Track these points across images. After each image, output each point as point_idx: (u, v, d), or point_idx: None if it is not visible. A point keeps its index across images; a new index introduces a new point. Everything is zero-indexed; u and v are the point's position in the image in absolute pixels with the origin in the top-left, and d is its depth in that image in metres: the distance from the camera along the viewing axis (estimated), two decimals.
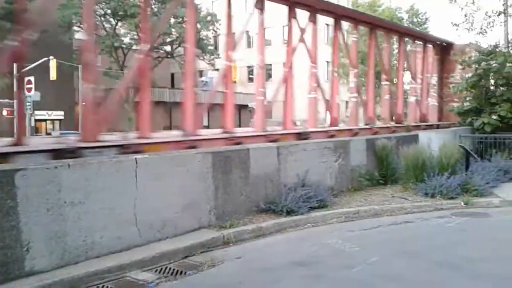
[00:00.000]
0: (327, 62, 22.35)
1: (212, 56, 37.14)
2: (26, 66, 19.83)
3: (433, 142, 11.11)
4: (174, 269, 5.28)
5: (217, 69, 34.53)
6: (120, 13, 31.80)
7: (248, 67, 38.01)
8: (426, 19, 44.32)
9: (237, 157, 7.19)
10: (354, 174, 9.68)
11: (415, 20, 43.54)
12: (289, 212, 7.34)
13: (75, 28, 31.40)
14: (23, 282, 4.51)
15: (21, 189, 4.65)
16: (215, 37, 38.91)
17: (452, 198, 8.88)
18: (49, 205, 4.86)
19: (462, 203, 8.64)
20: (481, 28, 17.99)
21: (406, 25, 36.57)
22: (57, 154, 6.14)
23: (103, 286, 4.76)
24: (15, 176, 4.63)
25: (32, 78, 24.11)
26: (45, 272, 4.73)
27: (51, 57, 26.51)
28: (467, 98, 16.52)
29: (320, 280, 5.05)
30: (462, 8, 17.90)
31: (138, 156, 5.94)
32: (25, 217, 4.66)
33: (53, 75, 27.08)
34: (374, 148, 10.36)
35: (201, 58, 35.32)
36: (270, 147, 8.07)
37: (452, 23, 19.42)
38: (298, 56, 11.26)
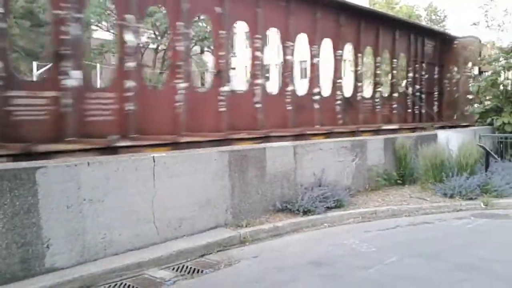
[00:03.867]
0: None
1: (230, 56, 37.18)
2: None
3: (452, 142, 10.94)
4: (191, 267, 5.31)
5: (234, 68, 34.54)
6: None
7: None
8: (445, 16, 43.76)
9: (254, 156, 7.19)
10: (371, 174, 9.60)
11: (433, 17, 42.99)
12: (306, 212, 7.32)
13: (94, 27, 31.77)
14: (44, 278, 4.59)
15: (42, 186, 4.73)
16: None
17: (471, 199, 8.74)
18: (69, 202, 4.93)
19: (482, 204, 8.51)
20: (499, 26, 17.99)
21: (424, 22, 36.10)
22: None
23: (121, 283, 4.82)
24: (36, 173, 4.71)
25: None
26: (65, 269, 4.81)
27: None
28: (487, 97, 16.24)
29: (337, 280, 5.03)
30: (481, 7, 17.74)
31: (156, 154, 5.98)
32: (46, 214, 4.74)
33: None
34: (392, 147, 10.26)
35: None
36: (286, 146, 8.05)
37: (474, 23, 19.24)
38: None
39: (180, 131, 7.98)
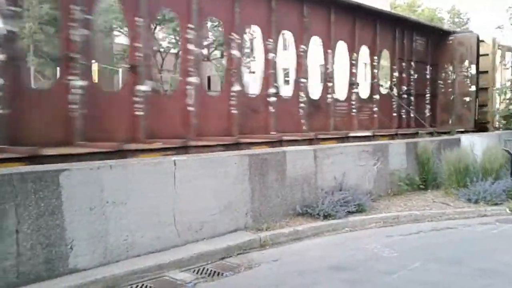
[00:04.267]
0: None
1: (248, 59, 37.32)
2: None
3: (476, 146, 10.73)
4: (211, 270, 5.32)
5: (253, 72, 34.67)
6: (158, 17, 32.46)
7: (284, 69, 37.94)
8: (468, 19, 43.11)
9: (274, 160, 7.18)
10: (393, 178, 9.48)
11: (456, 20, 42.40)
12: (326, 216, 7.27)
13: (116, 32, 32.30)
14: (67, 278, 4.65)
15: (66, 189, 4.81)
16: (251, 40, 39.09)
17: (496, 204, 8.55)
18: (92, 204, 5.00)
19: (507, 210, 8.31)
20: None
21: (447, 25, 35.59)
22: None
23: (142, 285, 4.85)
24: (60, 176, 4.79)
25: None
26: (87, 270, 4.87)
27: (92, 61, 27.34)
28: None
29: (358, 285, 4.97)
30: (506, 10, 17.26)
31: (177, 158, 6.03)
32: (69, 216, 4.81)
33: (94, 78, 27.93)
34: (415, 152, 10.12)
35: None
36: (307, 150, 8.01)
37: (498, 26, 18.68)
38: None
39: (190, 134, 7.96)
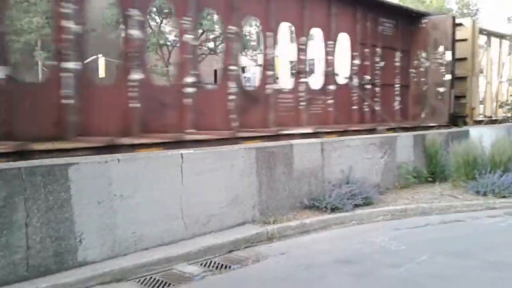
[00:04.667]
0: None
1: (255, 52, 37.23)
2: None
3: (485, 138, 10.65)
4: (219, 263, 5.34)
5: (260, 65, 34.59)
6: (165, 11, 32.40)
7: (291, 62, 37.81)
8: (477, 10, 42.62)
9: (281, 153, 7.17)
10: (401, 171, 9.44)
11: (465, 11, 41.94)
12: (333, 209, 7.26)
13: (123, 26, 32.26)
14: (77, 272, 4.70)
15: (74, 182, 4.84)
16: (258, 33, 38.96)
17: (504, 197, 8.48)
18: (100, 198, 5.03)
19: None
20: None
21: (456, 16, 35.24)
22: None
23: (151, 277, 4.89)
24: (69, 169, 4.83)
25: None
26: (96, 263, 4.91)
27: (99, 55, 27.39)
28: None
29: (366, 278, 4.97)
30: None
31: (184, 151, 6.04)
32: (78, 209, 4.85)
33: (101, 72, 28.00)
34: (422, 144, 10.06)
35: (244, 54, 35.47)
36: (314, 143, 7.99)
37: (508, 17, 18.42)
38: None
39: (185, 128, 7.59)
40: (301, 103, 10.21)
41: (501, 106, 16.70)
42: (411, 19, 13.69)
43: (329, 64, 11.01)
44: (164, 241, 5.54)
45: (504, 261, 5.38)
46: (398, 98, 13.14)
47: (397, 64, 13.07)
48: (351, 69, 11.71)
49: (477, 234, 6.75)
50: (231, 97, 8.69)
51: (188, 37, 8.05)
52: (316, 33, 11.09)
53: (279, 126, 9.35)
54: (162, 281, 4.83)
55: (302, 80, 10.31)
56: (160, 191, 5.58)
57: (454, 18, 13.77)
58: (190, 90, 7.98)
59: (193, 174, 5.93)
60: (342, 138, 9.21)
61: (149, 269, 5.02)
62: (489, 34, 16.87)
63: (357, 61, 11.69)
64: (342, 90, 11.34)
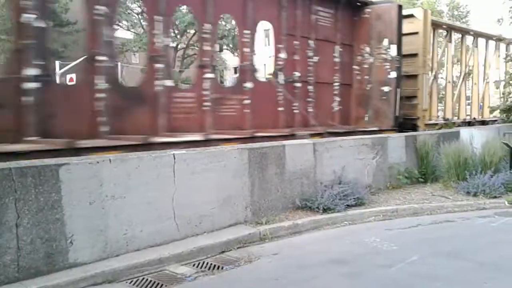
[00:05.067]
0: None
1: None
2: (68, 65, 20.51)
3: (475, 139, 10.75)
4: (211, 264, 5.33)
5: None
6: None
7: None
8: (467, 12, 42.95)
9: (273, 154, 7.17)
10: (392, 172, 9.49)
11: (455, 13, 42.27)
12: (326, 210, 7.28)
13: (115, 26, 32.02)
14: (68, 273, 4.66)
15: (65, 183, 4.80)
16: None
17: (495, 197, 8.57)
18: (91, 198, 5.00)
19: (506, 203, 8.32)
20: None
21: (446, 18, 35.46)
22: None
23: (143, 278, 4.86)
24: (60, 170, 4.79)
25: (74, 76, 24.79)
26: (87, 264, 4.88)
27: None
28: (511, 94, 15.94)
29: (358, 278, 4.98)
30: (505, 2, 17.16)
31: (176, 152, 6.02)
32: (69, 210, 4.81)
33: None
34: (414, 145, 10.12)
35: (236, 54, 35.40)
36: (306, 144, 8.01)
37: (498, 19, 18.52)
38: None
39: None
40: (206, 104, 8.67)
41: (491, 111, 16.87)
42: (354, 8, 11.98)
43: (244, 57, 9.48)
44: (156, 242, 5.52)
45: (495, 261, 5.42)
46: (337, 99, 11.49)
47: (337, 59, 11.45)
48: (276, 64, 10.16)
49: (468, 234, 6.80)
50: (99, 95, 7.07)
51: (27, 16, 6.28)
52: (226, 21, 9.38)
53: (174, 131, 7.94)
54: (154, 282, 4.81)
55: (207, 76, 8.70)
56: (152, 191, 5.56)
57: (400, 6, 12.08)
58: (31, 85, 6.32)
59: (185, 175, 5.92)
60: (334, 138, 9.22)
61: (141, 270, 5.00)
62: (450, 28, 15.87)
63: (282, 55, 10.03)
64: (263, 88, 9.92)
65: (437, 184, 9.73)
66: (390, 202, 8.30)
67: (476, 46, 17.44)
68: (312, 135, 9.47)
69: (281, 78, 10.09)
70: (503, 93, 16.59)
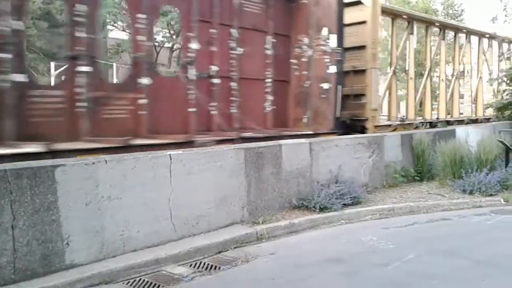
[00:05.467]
0: None
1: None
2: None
3: (471, 137, 10.80)
4: (208, 264, 5.33)
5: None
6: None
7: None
8: (462, 10, 43.04)
9: (269, 153, 7.18)
10: (388, 170, 9.51)
11: (450, 11, 42.35)
12: (322, 209, 7.29)
13: (109, 27, 31.98)
14: (64, 274, 4.65)
15: (61, 184, 4.79)
16: None
17: (491, 195, 8.61)
18: (87, 200, 4.99)
19: (502, 200, 8.37)
20: None
21: (441, 17, 35.53)
22: None
23: (140, 279, 4.86)
24: (55, 171, 4.77)
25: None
26: (84, 265, 4.86)
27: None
28: (506, 92, 16.01)
29: (354, 277, 4.99)
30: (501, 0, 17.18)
31: (172, 152, 6.02)
32: (65, 211, 4.80)
33: None
34: (410, 144, 10.15)
35: None
36: (302, 143, 8.01)
37: (492, 18, 18.50)
38: None
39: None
40: (80, 104, 7.03)
41: (486, 108, 16.94)
42: None
43: (138, 47, 7.89)
44: (153, 243, 5.51)
45: (491, 259, 5.44)
46: (270, 97, 9.80)
47: (269, 52, 9.75)
48: (185, 56, 8.66)
49: (464, 232, 6.82)
50: None
51: None
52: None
53: (28, 139, 6.31)
54: (151, 282, 4.80)
55: (81, 69, 7.08)
56: (149, 192, 5.55)
57: None
58: None
59: (182, 175, 5.91)
60: (330, 137, 9.22)
61: (138, 270, 4.99)
62: (412, 18, 14.10)
63: (194, 46, 8.35)
64: (167, 85, 8.46)
65: (433, 183, 9.76)
66: (386, 200, 8.32)
67: (469, 42, 17.35)
68: (220, 142, 7.72)
69: (192, 73, 8.30)
70: (498, 91, 16.65)
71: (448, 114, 16.20)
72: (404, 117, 13.78)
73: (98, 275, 4.74)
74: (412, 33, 14.25)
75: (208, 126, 8.79)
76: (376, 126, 11.47)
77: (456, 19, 37.89)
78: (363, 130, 11.17)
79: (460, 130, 11.76)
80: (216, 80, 8.88)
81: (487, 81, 17.44)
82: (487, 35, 18.04)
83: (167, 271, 5.10)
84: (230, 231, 6.21)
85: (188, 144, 7.35)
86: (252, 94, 9.67)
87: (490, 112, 17.55)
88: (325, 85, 10.18)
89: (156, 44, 34.17)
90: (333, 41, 10.15)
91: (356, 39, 11.31)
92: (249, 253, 5.71)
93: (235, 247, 5.90)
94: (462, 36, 17.33)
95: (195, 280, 4.92)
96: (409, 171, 9.86)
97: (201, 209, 6.11)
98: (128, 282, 4.79)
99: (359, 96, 11.57)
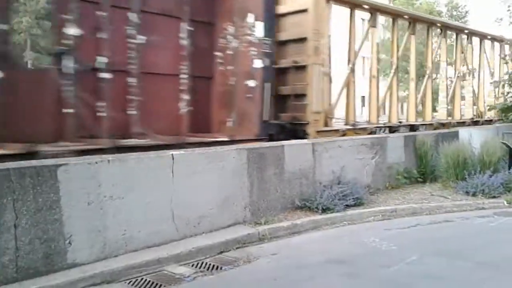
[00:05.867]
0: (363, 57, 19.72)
1: None
2: None
3: (474, 139, 10.75)
4: (210, 264, 5.33)
5: None
6: None
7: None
8: (466, 12, 42.97)
9: (272, 154, 7.17)
10: (391, 172, 9.49)
11: (454, 13, 42.28)
12: (325, 210, 7.27)
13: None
14: (66, 273, 4.66)
15: (64, 184, 4.80)
16: None
17: (494, 197, 8.57)
18: (90, 199, 5.00)
19: (505, 202, 8.33)
20: None
21: (446, 18, 35.43)
22: None
23: (141, 279, 4.86)
24: (58, 171, 4.79)
25: None
26: (86, 264, 4.87)
27: None
28: (510, 94, 15.95)
29: (356, 278, 4.98)
30: (503, 1, 17.08)
31: (175, 152, 6.02)
32: (68, 210, 4.81)
33: None
34: (413, 145, 10.12)
35: None
36: (305, 144, 8.01)
37: (496, 19, 18.33)
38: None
39: None
40: None
41: (490, 110, 16.87)
42: None
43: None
44: (154, 243, 5.51)
45: (494, 261, 5.41)
46: (187, 97, 7.81)
47: (184, 42, 7.83)
48: (59, 43, 6.89)
49: (467, 234, 6.80)
50: None
51: None
52: None
53: None
54: (153, 282, 4.80)
55: None
56: (151, 192, 5.55)
57: None
58: None
59: (184, 175, 5.91)
60: (333, 138, 9.19)
61: (140, 270, 4.99)
62: (375, 9, 12.41)
63: (72, 31, 6.67)
64: (29, 80, 6.94)
65: (436, 184, 9.73)
66: (389, 202, 8.30)
67: (471, 43, 17.17)
68: (84, 152, 6.09)
69: (68, 64, 6.66)
70: (502, 93, 16.58)
71: (449, 116, 16.06)
72: (357, 122, 11.71)
73: (100, 274, 4.75)
74: (374, 26, 12.46)
75: (93, 130, 6.81)
76: (319, 132, 9.75)
77: (460, 21, 37.82)
78: (304, 136, 9.47)
79: (463, 132, 11.72)
80: (105, 75, 7.01)
81: (491, 83, 17.37)
82: (489, 37, 17.94)
83: (169, 271, 5.10)
84: (232, 232, 6.20)
85: (31, 155, 5.67)
86: (161, 92, 7.85)
87: (491, 114, 17.50)
88: (251, 83, 8.45)
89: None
90: (259, 29, 8.45)
91: (297, 30, 9.79)
92: (251, 253, 5.71)
93: (237, 248, 5.89)
94: (465, 38, 17.21)
95: (197, 280, 4.92)
96: (412, 173, 9.83)
97: (203, 209, 6.11)
98: (130, 282, 4.79)
99: (301, 96, 9.87)
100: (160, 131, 7.44)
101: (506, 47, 18.44)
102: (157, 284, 4.77)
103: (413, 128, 13.10)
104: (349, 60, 11.71)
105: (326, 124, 10.28)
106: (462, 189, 8.90)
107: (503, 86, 15.85)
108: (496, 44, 18.52)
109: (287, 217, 7.03)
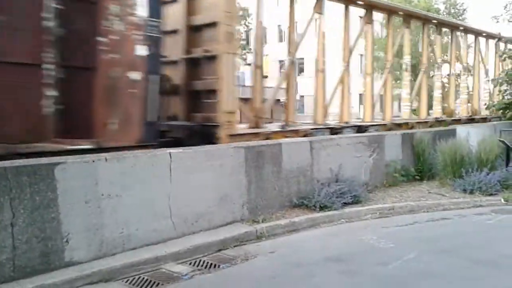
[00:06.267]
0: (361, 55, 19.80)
1: (244, 51, 37.10)
2: None
3: (472, 137, 10.77)
4: (208, 262, 5.32)
5: (249, 64, 34.48)
6: None
7: (280, 61, 37.78)
8: (464, 9, 42.95)
9: (270, 152, 7.17)
10: (389, 169, 9.50)
11: (452, 11, 42.27)
12: (323, 208, 7.28)
13: None
14: (64, 272, 4.64)
15: (61, 182, 4.78)
16: (247, 32, 38.82)
17: (491, 194, 8.60)
18: (87, 197, 4.98)
19: (502, 200, 8.36)
20: None
21: (443, 16, 35.44)
22: None
23: (139, 277, 4.85)
24: (55, 169, 4.77)
25: None
26: (83, 263, 4.86)
27: None
28: (507, 92, 15.97)
29: (354, 276, 4.98)
30: None
31: (173, 150, 6.00)
32: (65, 209, 4.79)
33: None
34: (410, 143, 10.14)
35: None
36: (303, 142, 8.01)
37: (493, 17, 18.31)
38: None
39: None
40: None
41: (487, 108, 16.90)
42: None
43: None
44: (152, 241, 5.50)
45: (491, 259, 5.42)
46: (54, 92, 5.87)
47: (49, 24, 5.85)
48: None
49: (464, 232, 6.81)
50: None
51: None
52: None
53: None
54: (151, 280, 4.79)
55: None
56: (149, 190, 5.54)
57: None
58: None
59: (182, 173, 5.90)
60: (331, 136, 9.21)
61: (138, 268, 4.99)
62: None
63: None
64: None
65: (434, 182, 9.75)
66: (386, 199, 8.31)
67: (466, 40, 17.17)
68: None
69: None
70: (499, 91, 16.60)
71: (444, 113, 16.08)
72: (287, 123, 10.22)
73: (98, 273, 4.74)
74: (320, 13, 10.79)
75: None
76: (232, 135, 8.10)
77: (458, 18, 37.82)
78: (213, 141, 7.82)
79: (460, 130, 11.74)
80: None
81: (490, 81, 17.38)
82: (484, 34, 17.90)
83: (167, 269, 5.10)
84: (230, 230, 6.20)
85: None
86: (10, 86, 5.73)
87: (486, 112, 17.52)
88: (133, 75, 6.72)
89: None
90: (142, 7, 6.79)
91: (208, 14, 8.35)
92: (249, 251, 5.71)
93: (235, 246, 5.89)
94: (460, 35, 17.22)
95: (195, 278, 4.92)
96: (409, 170, 9.85)
97: (201, 207, 6.10)
98: (128, 280, 4.78)
99: (213, 92, 8.30)
100: (10, 136, 5.63)
101: (502, 44, 18.45)
102: (154, 282, 4.76)
103: (360, 129, 11.52)
104: (289, 52, 10.53)
105: (257, 125, 9.22)
106: (459, 187, 8.92)
107: (501, 84, 15.85)
108: (492, 42, 18.53)
109: (285, 215, 7.03)
